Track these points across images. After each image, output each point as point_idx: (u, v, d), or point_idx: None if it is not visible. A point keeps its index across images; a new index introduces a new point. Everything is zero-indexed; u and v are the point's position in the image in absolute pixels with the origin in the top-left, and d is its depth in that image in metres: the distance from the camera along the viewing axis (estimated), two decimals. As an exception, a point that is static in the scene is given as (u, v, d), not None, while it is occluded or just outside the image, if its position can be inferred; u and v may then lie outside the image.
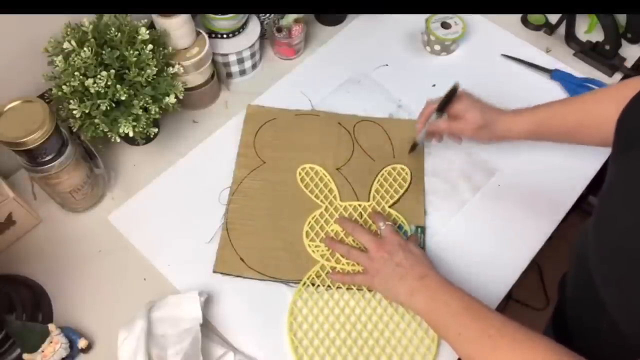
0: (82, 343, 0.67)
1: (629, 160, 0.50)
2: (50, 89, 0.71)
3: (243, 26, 0.88)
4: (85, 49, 0.68)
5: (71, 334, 0.67)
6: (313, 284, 0.72)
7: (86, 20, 0.72)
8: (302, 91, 0.92)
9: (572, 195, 0.81)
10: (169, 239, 0.76)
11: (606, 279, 0.51)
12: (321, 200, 0.79)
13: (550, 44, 0.99)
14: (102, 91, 0.68)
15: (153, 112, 0.73)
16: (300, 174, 0.82)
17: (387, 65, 0.96)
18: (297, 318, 0.70)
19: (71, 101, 0.69)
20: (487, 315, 0.59)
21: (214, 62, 0.86)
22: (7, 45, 0.71)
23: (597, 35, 0.96)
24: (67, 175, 0.72)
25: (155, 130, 0.76)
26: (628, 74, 0.95)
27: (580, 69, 0.95)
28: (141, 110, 0.72)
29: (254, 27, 0.90)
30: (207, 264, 0.74)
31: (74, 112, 0.69)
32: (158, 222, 0.78)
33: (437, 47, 0.97)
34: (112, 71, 0.69)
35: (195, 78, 0.83)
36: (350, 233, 0.74)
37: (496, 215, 0.79)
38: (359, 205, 0.79)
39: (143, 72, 0.71)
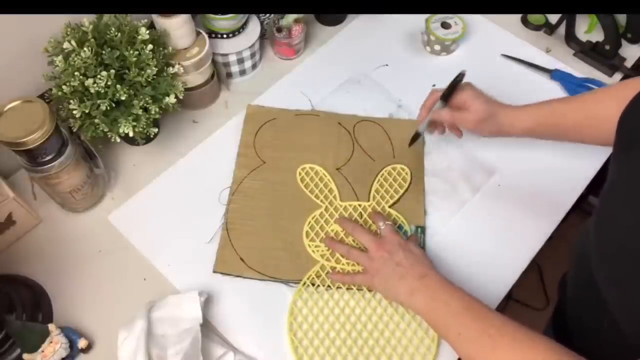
0: (82, 343, 0.67)
1: (630, 160, 0.51)
2: (50, 89, 0.71)
3: (243, 26, 0.88)
4: (85, 49, 0.68)
5: (71, 334, 0.67)
6: (313, 284, 0.72)
7: (86, 20, 0.72)
8: (302, 91, 0.92)
9: (572, 195, 0.81)
10: (169, 239, 0.76)
11: (608, 278, 0.51)
12: (321, 200, 0.79)
13: (550, 44, 0.99)
14: (102, 91, 0.68)
15: (153, 112, 0.73)
16: (300, 174, 0.82)
17: (387, 65, 0.96)
18: (297, 318, 0.70)
19: (71, 101, 0.69)
20: (488, 315, 0.59)
21: (214, 62, 0.86)
22: (7, 45, 0.71)
23: (597, 35, 0.96)
24: (67, 175, 0.72)
25: (155, 130, 0.76)
26: (628, 74, 0.95)
27: (580, 69, 0.95)
28: (141, 110, 0.72)
29: (254, 27, 0.90)
30: (207, 264, 0.74)
31: (74, 112, 0.69)
32: (158, 222, 0.78)
33: (437, 47, 0.97)
34: (112, 71, 0.69)
35: (195, 78, 0.83)
36: (350, 233, 0.74)
37: (496, 215, 0.79)
38: (359, 205, 0.79)
39: (143, 72, 0.71)
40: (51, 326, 0.65)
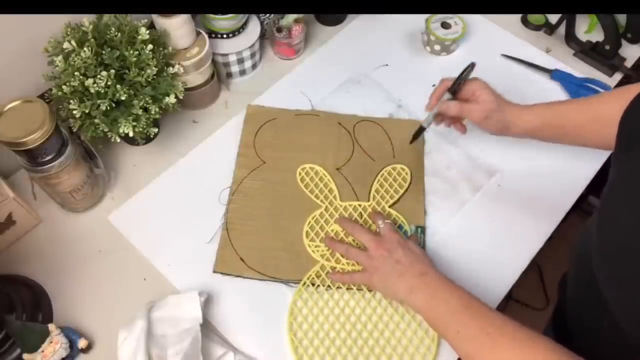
0: (82, 343, 0.67)
1: (630, 161, 0.51)
2: (50, 89, 0.71)
3: (243, 26, 0.88)
4: (85, 49, 0.68)
5: (71, 334, 0.67)
6: (313, 284, 0.72)
7: (86, 20, 0.72)
8: (302, 91, 0.92)
9: (572, 195, 0.81)
10: (169, 239, 0.76)
11: (608, 278, 0.51)
12: (321, 200, 0.79)
13: (550, 44, 0.99)
14: (102, 91, 0.68)
15: (153, 112, 0.73)
16: (300, 174, 0.82)
17: (387, 65, 0.96)
18: (297, 318, 0.70)
19: (71, 101, 0.69)
20: (487, 313, 0.59)
21: (214, 62, 0.86)
22: (7, 45, 0.71)
23: (597, 35, 0.96)
24: (67, 175, 0.72)
25: (155, 130, 0.76)
26: (628, 74, 0.95)
27: (580, 69, 0.95)
28: (141, 110, 0.72)
29: (254, 27, 0.90)
30: (207, 264, 0.74)
31: (74, 112, 0.69)
32: (158, 222, 0.78)
33: (437, 47, 0.97)
34: (112, 71, 0.69)
35: (195, 78, 0.83)
36: (350, 232, 0.74)
37: (496, 216, 0.79)
38: (359, 205, 0.79)
39: (143, 72, 0.71)
40: (51, 326, 0.65)
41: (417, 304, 0.64)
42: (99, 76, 0.68)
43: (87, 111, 0.69)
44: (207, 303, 0.70)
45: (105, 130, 0.71)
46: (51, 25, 0.71)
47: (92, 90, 0.68)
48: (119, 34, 0.70)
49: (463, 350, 0.58)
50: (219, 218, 0.78)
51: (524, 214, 0.79)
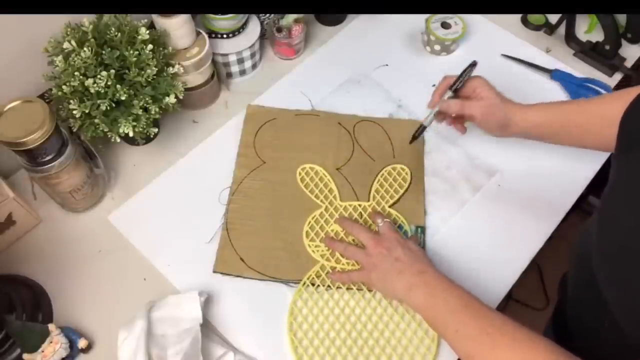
0: (82, 343, 0.67)
1: (630, 162, 0.51)
2: (50, 89, 0.71)
3: (243, 26, 0.88)
4: (85, 49, 0.68)
5: (71, 334, 0.67)
6: (313, 284, 0.72)
7: (86, 20, 0.72)
8: (302, 91, 0.92)
9: (572, 195, 0.81)
10: (169, 239, 0.76)
11: (608, 278, 0.51)
12: (321, 200, 0.79)
13: (550, 44, 0.99)
14: (102, 91, 0.68)
15: (153, 112, 0.73)
16: (300, 174, 0.82)
17: (387, 65, 0.96)
18: (297, 318, 0.70)
19: (71, 101, 0.69)
20: (487, 313, 0.59)
21: (214, 62, 0.86)
22: (7, 45, 0.71)
23: (597, 35, 0.96)
24: (67, 175, 0.72)
25: (155, 130, 0.76)
26: (628, 74, 0.95)
27: (580, 69, 0.95)
28: (141, 110, 0.72)
29: (254, 27, 0.90)
30: (207, 264, 0.74)
31: (74, 112, 0.69)
32: (158, 222, 0.78)
33: (437, 47, 0.97)
34: (112, 71, 0.69)
35: (195, 78, 0.83)
36: (349, 231, 0.74)
37: (496, 216, 0.79)
38: (359, 205, 0.79)
39: (143, 72, 0.71)
40: (51, 326, 0.65)
41: (415, 302, 0.63)
42: (99, 76, 0.68)
43: (87, 111, 0.69)
44: (207, 303, 0.70)
45: (105, 130, 0.71)
46: (51, 25, 0.71)
47: (92, 90, 0.68)
48: (119, 34, 0.70)
49: (462, 350, 0.58)
50: (219, 218, 0.78)
51: (524, 214, 0.79)
